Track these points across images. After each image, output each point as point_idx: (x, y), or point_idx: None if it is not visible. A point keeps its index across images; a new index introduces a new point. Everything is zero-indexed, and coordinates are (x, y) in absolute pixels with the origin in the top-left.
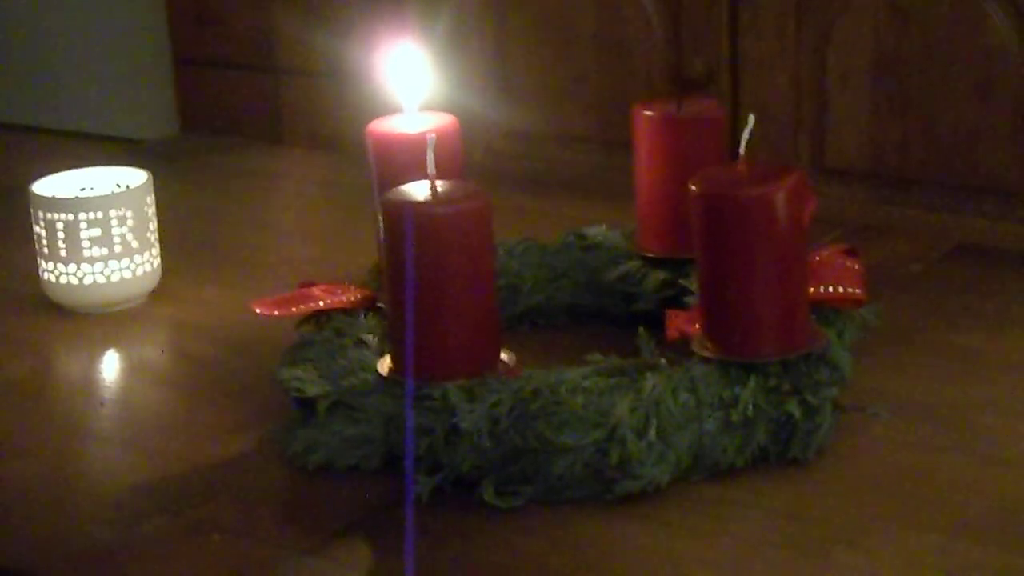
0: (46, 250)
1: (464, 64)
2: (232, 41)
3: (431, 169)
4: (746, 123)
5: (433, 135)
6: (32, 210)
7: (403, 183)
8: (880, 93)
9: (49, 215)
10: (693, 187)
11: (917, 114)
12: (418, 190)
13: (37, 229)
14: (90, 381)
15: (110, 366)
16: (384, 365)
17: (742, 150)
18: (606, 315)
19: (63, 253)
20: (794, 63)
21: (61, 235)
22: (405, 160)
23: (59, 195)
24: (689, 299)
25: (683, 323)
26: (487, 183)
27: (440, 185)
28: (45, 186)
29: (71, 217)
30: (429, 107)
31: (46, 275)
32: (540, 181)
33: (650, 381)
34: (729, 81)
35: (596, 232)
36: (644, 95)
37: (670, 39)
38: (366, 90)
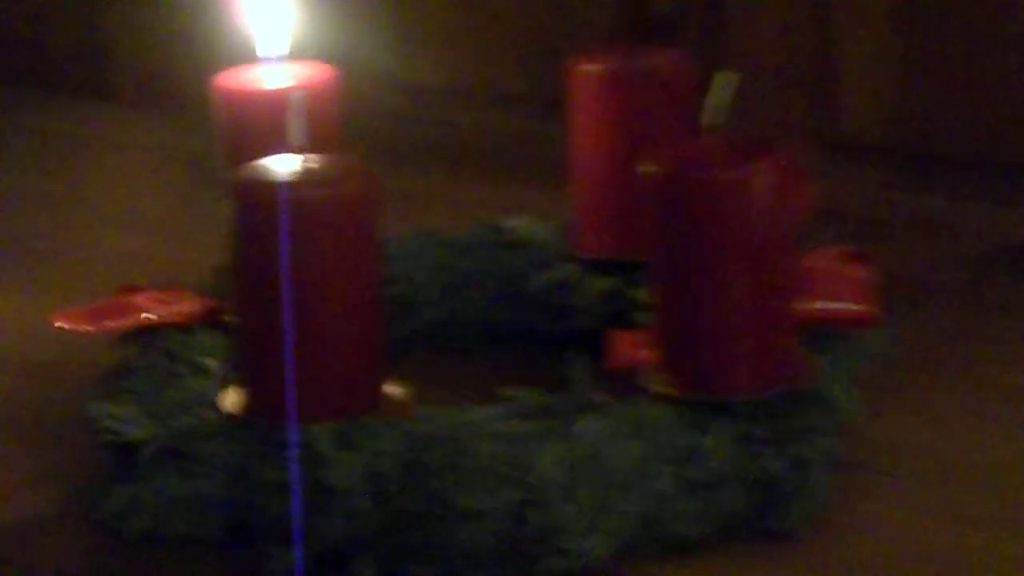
0: None
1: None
2: None
3: (297, 138)
4: (720, 82)
5: (302, 92)
6: None
7: (260, 156)
8: (902, 43)
9: None
10: (647, 167)
11: (950, 71)
12: (280, 166)
13: None
14: None
15: None
16: (229, 400)
17: (706, 119)
18: (529, 335)
19: None
20: (790, 2)
21: None
22: (264, 125)
23: None
24: (639, 316)
25: (630, 348)
26: (375, 156)
27: (310, 160)
28: None
29: None
30: (298, 54)
31: None
32: (446, 155)
33: (584, 425)
34: (704, 25)
35: (518, 225)
36: (587, 42)
37: None
38: (216, 29)
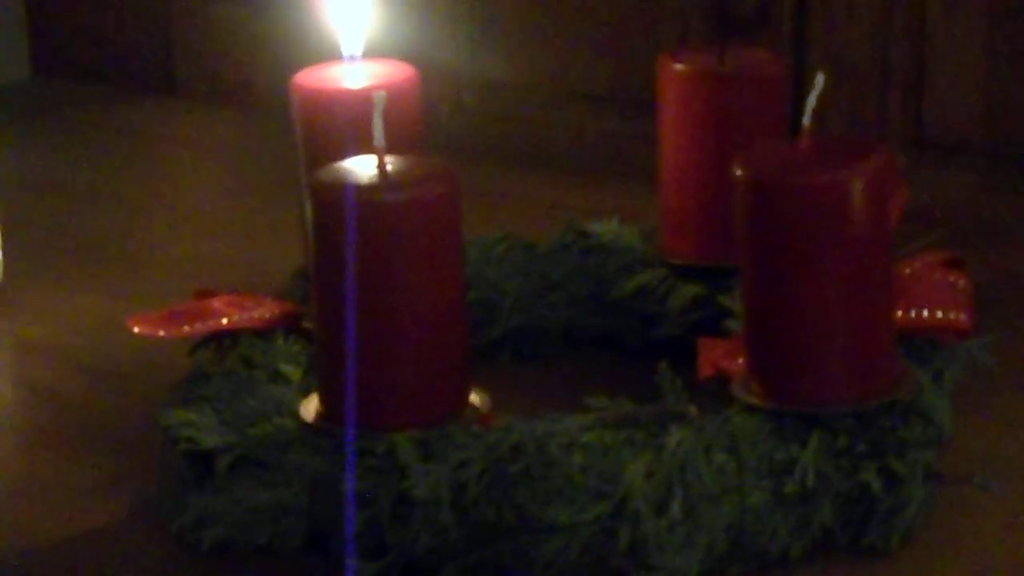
0: None
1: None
2: None
3: (379, 139)
4: (813, 83)
5: (383, 92)
6: None
7: (340, 157)
8: (1002, 38)
9: None
10: (738, 170)
11: None
12: (361, 168)
13: None
14: None
15: None
16: (310, 408)
17: (806, 120)
18: (616, 343)
19: None
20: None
21: None
22: (344, 126)
23: None
24: (730, 324)
25: (721, 357)
26: (457, 157)
27: (391, 161)
28: None
29: None
30: (378, 53)
31: None
32: (530, 155)
33: (674, 437)
34: (792, 22)
35: (604, 228)
36: (674, 40)
37: None
38: (292, 25)
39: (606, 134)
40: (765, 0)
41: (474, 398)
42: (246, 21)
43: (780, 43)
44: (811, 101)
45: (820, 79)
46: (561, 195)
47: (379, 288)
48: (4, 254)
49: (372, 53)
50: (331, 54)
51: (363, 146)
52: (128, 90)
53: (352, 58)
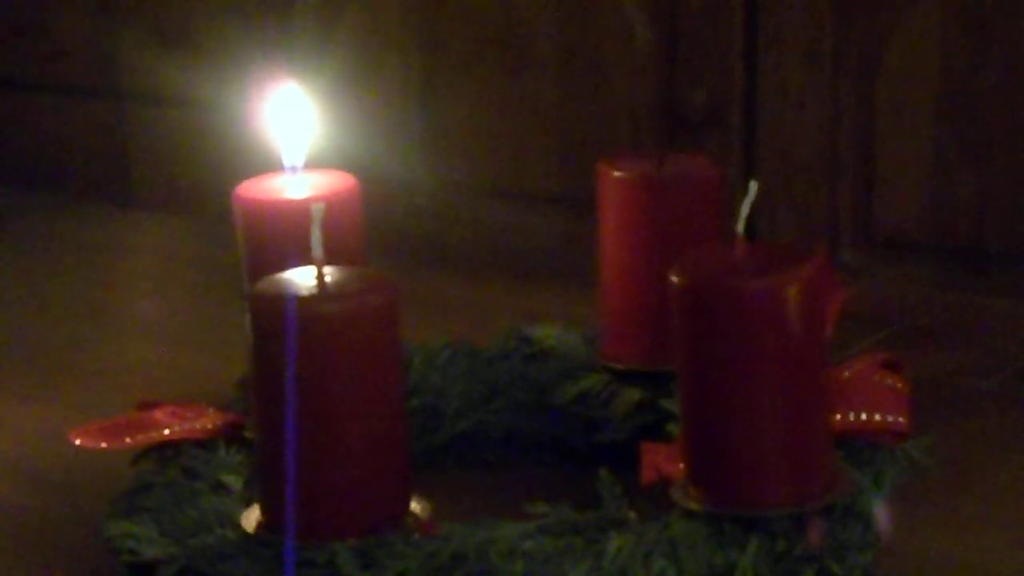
0: None
1: (379, 100)
2: (60, 56)
3: (317, 251)
4: (749, 190)
5: (321, 204)
6: None
7: (282, 268)
8: (949, 136)
9: None
10: (673, 276)
11: (999, 164)
12: (300, 279)
13: None
14: None
15: None
16: (251, 518)
17: (740, 227)
18: (561, 447)
19: None
20: (831, 95)
21: None
22: (284, 237)
23: None
24: (673, 428)
25: (663, 461)
26: (405, 260)
27: (330, 272)
28: None
29: None
30: (327, 160)
31: None
32: (481, 257)
33: (614, 543)
34: (742, 120)
35: (546, 334)
36: (626, 141)
37: (661, 61)
38: (240, 134)
39: (559, 235)
40: (715, 100)
41: (415, 506)
42: (199, 129)
43: (730, 142)
44: (744, 209)
45: (753, 187)
46: (513, 299)
47: (318, 398)
48: None
49: (319, 161)
50: (277, 165)
51: (304, 257)
52: (82, 198)
53: (294, 169)
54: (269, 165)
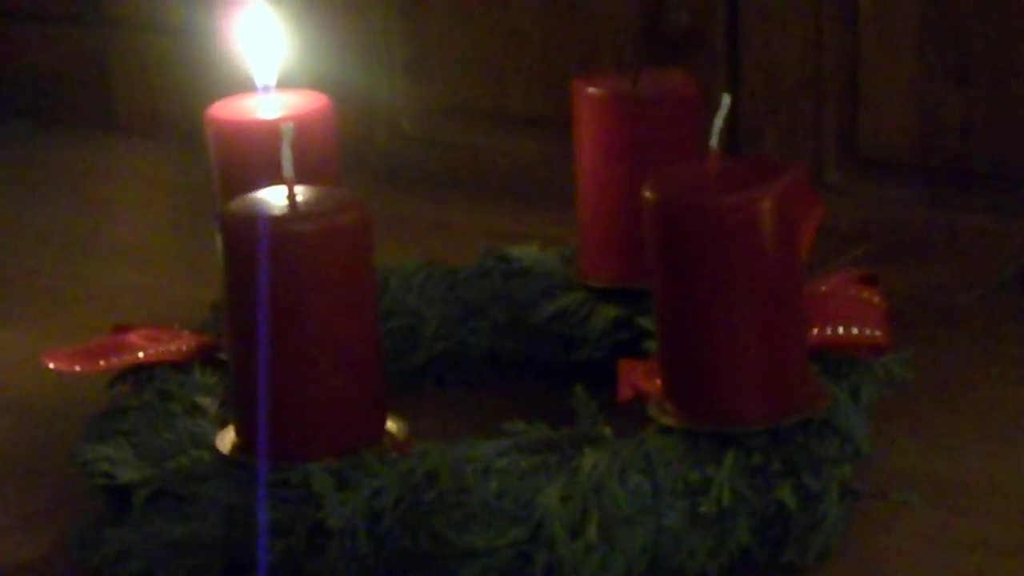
0: None
1: (361, 18)
2: None
3: (288, 170)
4: (722, 103)
5: (290, 123)
6: None
7: (252, 188)
8: (933, 55)
9: None
10: (647, 192)
11: (983, 83)
12: (271, 199)
13: None
14: None
15: None
16: (226, 440)
17: (714, 142)
18: (538, 366)
19: None
20: (814, 13)
21: None
22: (255, 157)
23: None
24: (650, 345)
25: (640, 377)
26: (386, 184)
27: (300, 192)
28: None
29: None
30: (310, 85)
31: None
32: (462, 179)
33: (590, 459)
34: (725, 40)
35: (525, 253)
36: (609, 63)
37: None
38: (218, 56)
39: (540, 157)
40: (697, 21)
41: (391, 426)
42: (180, 54)
43: (714, 61)
44: (717, 123)
45: (726, 100)
46: (494, 220)
47: (290, 318)
48: None
49: (299, 84)
50: (251, 86)
51: (276, 177)
52: (65, 124)
53: (266, 89)
54: (246, 87)
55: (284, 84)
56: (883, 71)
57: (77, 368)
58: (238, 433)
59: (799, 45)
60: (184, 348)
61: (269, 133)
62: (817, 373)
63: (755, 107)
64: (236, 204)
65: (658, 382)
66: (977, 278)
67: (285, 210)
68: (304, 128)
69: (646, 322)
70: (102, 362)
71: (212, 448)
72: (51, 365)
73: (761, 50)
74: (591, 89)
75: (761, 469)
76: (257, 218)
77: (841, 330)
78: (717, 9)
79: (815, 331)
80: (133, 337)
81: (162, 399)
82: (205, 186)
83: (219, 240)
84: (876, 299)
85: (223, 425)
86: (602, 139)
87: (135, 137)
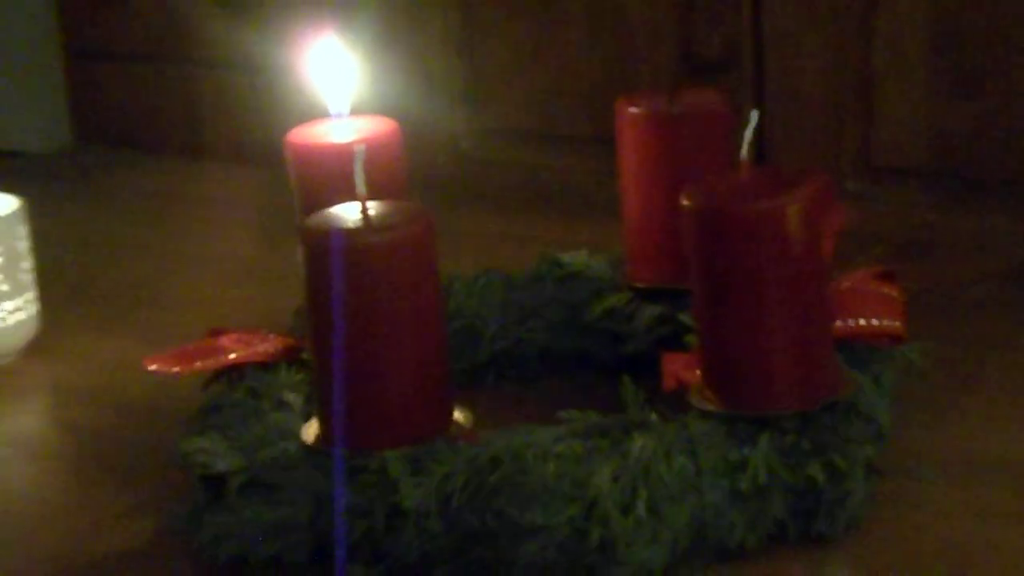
0: None
1: (423, 50)
2: (138, 27)
3: (360, 188)
4: (747, 121)
5: (362, 145)
6: None
7: (329, 205)
8: (944, 70)
9: None
10: (685, 201)
11: (992, 95)
12: (345, 214)
13: None
14: None
15: None
16: (310, 432)
17: (744, 152)
18: (589, 361)
19: None
20: (834, 34)
21: None
22: (330, 177)
23: None
24: (690, 339)
25: (682, 368)
26: (449, 200)
27: (372, 207)
28: None
29: None
30: (368, 109)
31: None
32: (517, 194)
33: (638, 443)
34: (752, 62)
35: (575, 259)
36: (646, 83)
37: (680, 9)
38: (293, 90)
39: (589, 174)
40: (727, 44)
41: (458, 416)
42: (261, 88)
43: (743, 81)
44: (747, 135)
45: (754, 115)
46: (547, 232)
47: (365, 321)
48: (41, 305)
49: (369, 111)
50: (325, 113)
51: (349, 194)
52: (158, 153)
53: (339, 116)
54: (321, 115)
55: (355, 111)
56: (896, 86)
57: (175, 370)
58: (321, 426)
59: (818, 65)
60: (271, 350)
61: (343, 155)
62: (842, 361)
63: (780, 121)
64: (314, 219)
65: (698, 372)
66: (988, 274)
67: (358, 224)
68: (374, 150)
69: (686, 318)
70: (198, 364)
71: (298, 440)
72: (152, 368)
73: (784, 70)
74: (632, 109)
75: (793, 449)
76: (333, 231)
77: (863, 322)
78: (744, 35)
79: (839, 323)
80: (225, 341)
81: (252, 396)
82: (286, 205)
83: (300, 252)
84: (894, 293)
85: (307, 419)
86: (643, 153)
87: (223, 163)
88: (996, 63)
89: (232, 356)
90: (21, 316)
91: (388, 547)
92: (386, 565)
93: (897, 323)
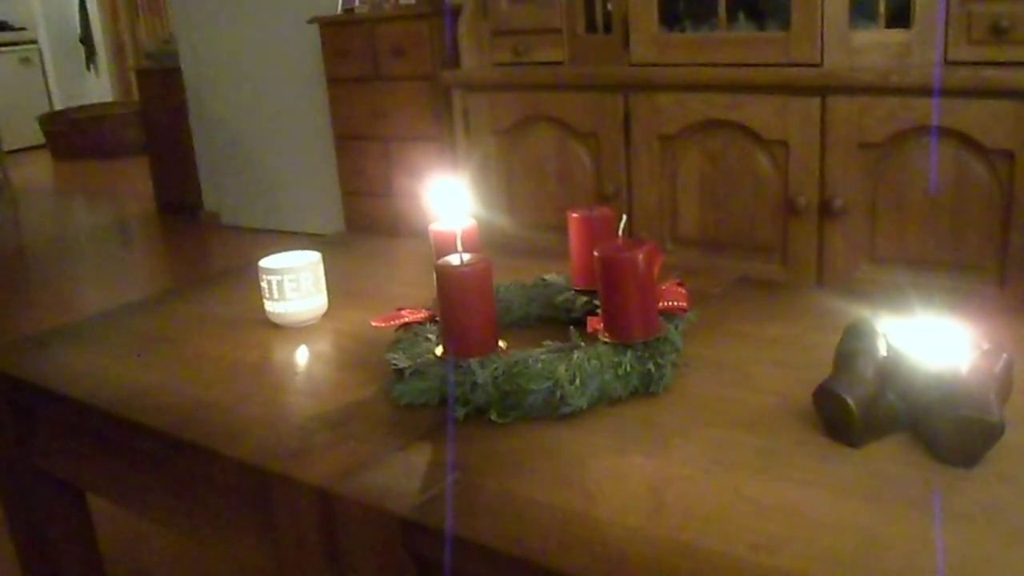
0: (267, 294)
1: (488, 188)
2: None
3: (459, 249)
4: (620, 220)
5: (460, 231)
6: (260, 274)
7: (447, 256)
8: (705, 198)
9: (268, 276)
10: (596, 253)
11: (724, 208)
12: (454, 259)
13: (263, 284)
14: (289, 363)
15: (300, 354)
16: (439, 350)
17: (620, 233)
18: (556, 322)
19: (275, 296)
20: (659, 184)
21: (275, 287)
22: (448, 245)
23: (272, 266)
24: (599, 310)
25: (596, 323)
26: (498, 253)
27: (465, 257)
28: (266, 261)
29: (279, 277)
30: (465, 215)
31: (267, 307)
32: (526, 252)
33: (576, 354)
34: (627, 195)
35: (552, 277)
36: (578, 205)
37: (595, 173)
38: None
39: (557, 242)
40: (616, 187)
41: (501, 343)
42: (405, 210)
43: (621, 203)
44: (621, 226)
45: (623, 218)
46: (535, 267)
47: (461, 304)
48: (329, 299)
49: (462, 215)
50: (445, 215)
51: (455, 251)
52: (378, 236)
53: (452, 216)
54: (442, 217)
55: (456, 215)
56: (687, 206)
57: (384, 324)
58: (444, 347)
59: (655, 197)
60: (423, 316)
61: (453, 235)
62: (661, 319)
63: (634, 220)
64: (442, 262)
65: (602, 325)
66: (722, 282)
67: (460, 263)
68: (466, 234)
69: (597, 301)
70: (394, 322)
71: (433, 354)
72: (374, 323)
73: (641, 199)
74: (575, 215)
75: (641, 356)
76: (447, 267)
77: (670, 303)
78: (623, 184)
79: (661, 304)
80: (404, 312)
81: (414, 335)
82: (430, 257)
83: (435, 277)
84: (683, 290)
85: (438, 344)
86: (579, 233)
87: (401, 239)
88: (728, 193)
89: (406, 318)
90: (320, 303)
91: (471, 399)
92: (470, 407)
93: (684, 303)
